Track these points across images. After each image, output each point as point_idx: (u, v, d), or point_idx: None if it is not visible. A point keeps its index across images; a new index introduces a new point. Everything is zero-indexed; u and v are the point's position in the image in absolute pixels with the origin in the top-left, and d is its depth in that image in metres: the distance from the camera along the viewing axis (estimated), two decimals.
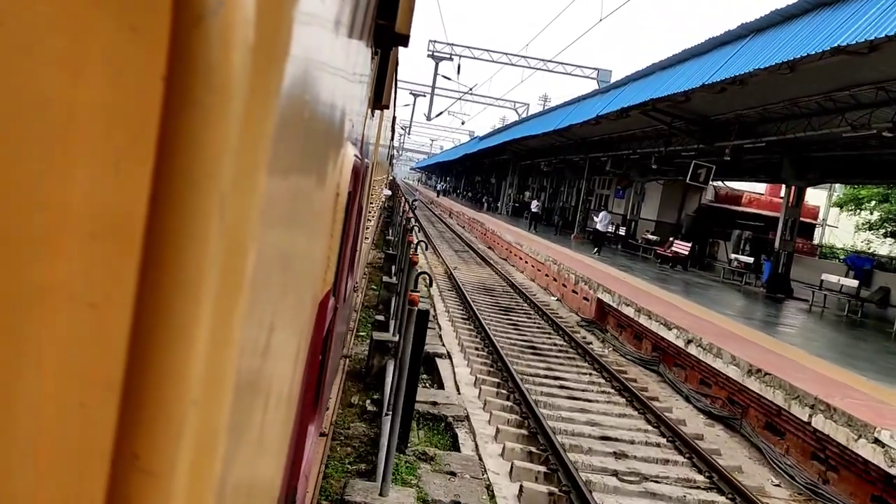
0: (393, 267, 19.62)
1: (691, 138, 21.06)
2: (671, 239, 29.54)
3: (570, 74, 36.05)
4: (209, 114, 0.52)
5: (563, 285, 19.71)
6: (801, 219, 39.78)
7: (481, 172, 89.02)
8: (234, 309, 0.65)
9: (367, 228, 8.69)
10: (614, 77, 34.88)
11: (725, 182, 38.74)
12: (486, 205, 66.53)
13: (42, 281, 0.48)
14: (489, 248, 33.46)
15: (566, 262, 20.82)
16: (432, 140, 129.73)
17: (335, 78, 1.33)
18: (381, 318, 14.30)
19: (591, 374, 12.45)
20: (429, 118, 38.58)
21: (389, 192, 39.60)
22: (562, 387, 11.44)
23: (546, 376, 11.92)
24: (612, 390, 11.62)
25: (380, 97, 4.00)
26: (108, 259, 0.51)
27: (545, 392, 10.95)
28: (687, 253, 25.30)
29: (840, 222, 39.88)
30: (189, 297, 0.53)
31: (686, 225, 39.82)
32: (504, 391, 10.76)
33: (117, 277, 0.51)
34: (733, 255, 24.57)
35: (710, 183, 41.57)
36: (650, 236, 32.10)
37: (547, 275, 21.79)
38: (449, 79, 36.15)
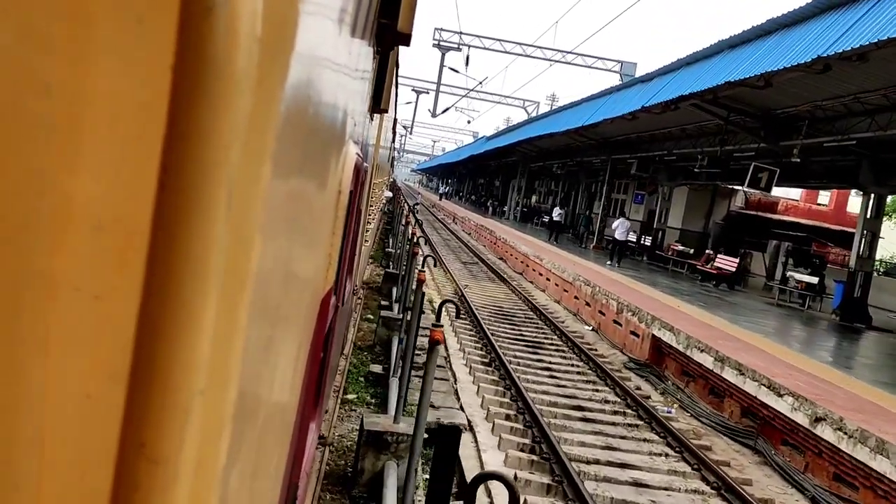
0: (394, 290, 16.22)
1: (751, 136, 17.61)
2: (708, 252, 26.08)
3: (590, 67, 32.69)
4: (218, 104, 0.52)
5: (601, 312, 16.25)
6: (844, 228, 36.46)
7: (485, 175, 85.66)
8: (240, 299, 0.66)
9: (367, 231, 8.55)
10: (639, 71, 31.50)
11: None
12: (491, 209, 63.12)
13: (47, 272, 0.49)
14: (500, 258, 30.02)
15: (601, 283, 17.37)
16: (434, 141, 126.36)
17: (339, 75, 1.33)
18: (376, 369, 10.81)
19: (665, 456, 9.01)
20: (434, 115, 35.24)
21: (390, 194, 36.89)
22: (637, 483, 8.01)
23: (611, 462, 8.48)
24: (704, 485, 8.18)
25: (378, 101, 3.83)
26: (114, 250, 0.51)
27: (618, 499, 7.51)
28: (734, 269, 21.84)
29: (884, 232, 36.43)
30: (197, 287, 0.54)
31: (714, 234, 36.39)
32: (559, 499, 7.31)
33: (123, 268, 0.52)
34: (791, 274, 21.11)
35: (743, 189, 38.43)
36: (682, 248, 28.64)
37: (577, 297, 18.34)
38: (456, 71, 32.75)
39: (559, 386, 11.72)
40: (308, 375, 1.72)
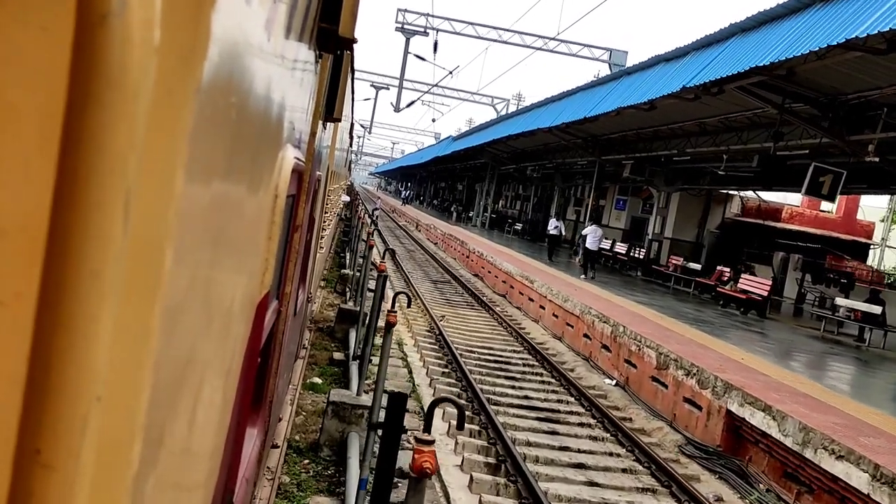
0: (351, 335, 11.95)
1: (811, 128, 13.72)
2: (722, 270, 22.28)
3: (575, 56, 28.81)
4: (112, 112, 0.52)
5: (629, 363, 12.19)
6: (855, 238, 33.21)
7: (448, 178, 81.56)
8: (147, 306, 0.66)
9: (323, 237, 8.74)
10: (630, 60, 27.70)
11: (757, 192, 31.87)
12: (455, 214, 59.00)
13: None
14: (476, 275, 25.86)
15: (623, 319, 13.30)
16: (394, 143, 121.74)
17: (269, 80, 1.30)
18: None
19: None
20: (397, 109, 31.02)
21: (348, 199, 33.86)
22: None
23: None
24: None
25: (332, 110, 3.78)
26: (15, 256, 0.51)
27: None
28: (766, 294, 18.01)
29: (892, 240, 33.21)
30: (92, 293, 0.53)
31: (709, 244, 32.83)
32: None
33: (24, 275, 0.52)
34: (841, 302, 17.33)
35: (738, 193, 34.89)
36: (690, 264, 24.82)
37: (588, 336, 14.25)
38: (423, 59, 28.55)
39: (599, 496, 7.65)
40: (244, 380, 1.66)
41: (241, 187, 1.21)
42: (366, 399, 7.53)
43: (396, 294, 8.29)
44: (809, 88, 13.18)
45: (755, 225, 31.26)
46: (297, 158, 2.15)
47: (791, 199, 34.75)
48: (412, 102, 32.05)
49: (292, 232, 2.79)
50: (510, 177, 49.00)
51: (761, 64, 10.58)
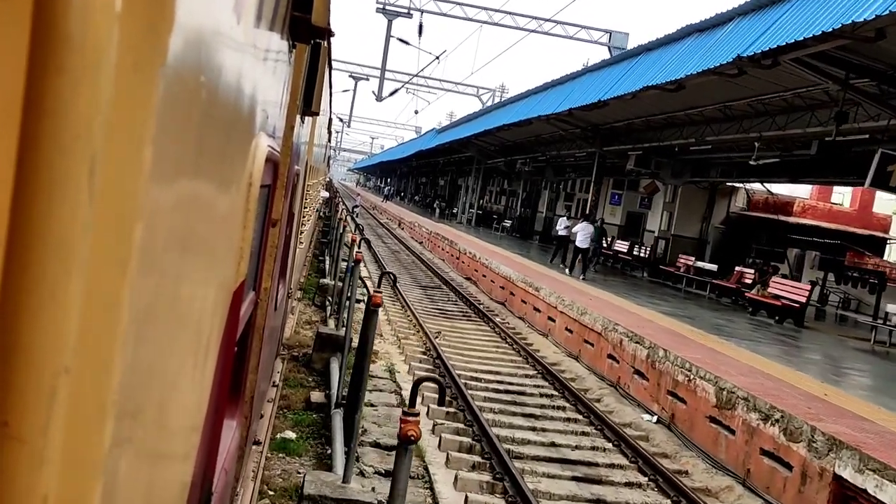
0: (333, 366, 9.61)
1: (880, 106, 11.56)
2: (742, 271, 20.16)
3: (572, 38, 26.57)
4: (74, 77, 0.52)
5: (673, 395, 9.96)
6: (872, 232, 31.33)
7: (429, 174, 79.14)
8: (118, 278, 0.65)
9: (303, 233, 8.69)
10: (632, 42, 25.51)
11: (765, 184, 29.83)
12: (438, 211, 56.66)
13: None
14: (468, 279, 23.57)
15: (662, 341, 11.06)
16: (373, 138, 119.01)
17: (239, 65, 1.29)
18: None
19: None
20: (379, 98, 28.62)
21: (327, 194, 31.75)
22: None
23: None
24: None
25: (309, 104, 3.82)
26: None
27: None
28: (804, 300, 15.87)
29: None
30: (58, 261, 0.53)
31: (713, 241, 30.78)
32: None
33: None
34: (894, 308, 15.23)
35: (743, 185, 32.86)
36: (702, 264, 22.69)
37: (615, 358, 12.01)
38: (407, 43, 26.05)
39: None
40: (221, 366, 1.63)
41: (213, 170, 1.18)
42: (357, 489, 5.18)
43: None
44: (878, 60, 11.01)
45: (763, 219, 29.22)
46: (272, 147, 2.09)
47: (798, 192, 32.81)
48: (396, 90, 29.63)
49: (268, 225, 2.70)
50: (496, 171, 46.78)
51: (848, 22, 8.35)
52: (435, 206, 59.92)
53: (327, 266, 18.88)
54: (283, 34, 2.25)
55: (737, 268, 20.64)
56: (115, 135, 0.59)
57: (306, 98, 3.67)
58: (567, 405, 10.72)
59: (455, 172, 61.29)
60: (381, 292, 7.52)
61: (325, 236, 27.79)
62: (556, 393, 11.23)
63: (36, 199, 0.51)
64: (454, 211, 57.83)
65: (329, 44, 4.80)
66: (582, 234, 21.78)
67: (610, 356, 12.17)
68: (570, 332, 14.09)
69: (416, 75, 26.71)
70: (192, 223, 1.05)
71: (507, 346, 14.35)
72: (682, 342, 11.37)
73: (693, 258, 23.33)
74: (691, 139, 18.74)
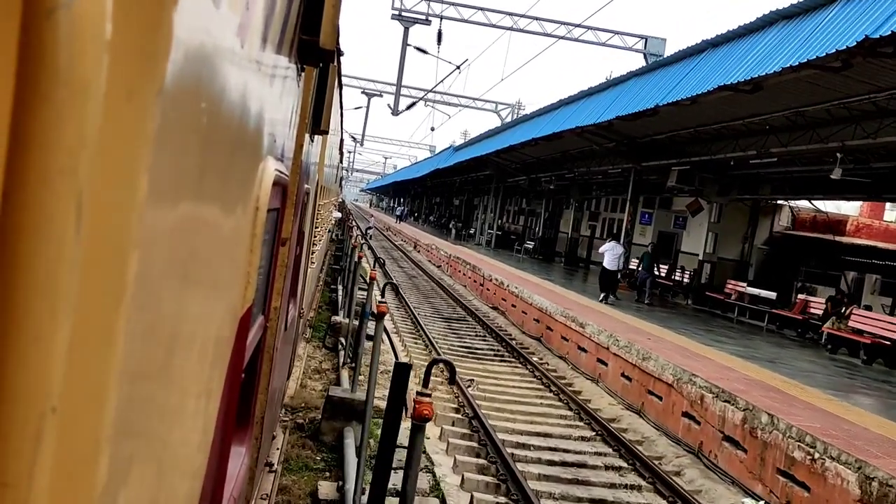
0: (348, 453, 7.44)
1: None
2: (806, 299, 17.86)
3: (604, 45, 24.53)
4: (61, 108, 0.51)
5: (789, 477, 7.72)
6: None
7: (444, 193, 77.12)
8: (110, 312, 0.64)
9: (314, 252, 8.60)
10: (670, 48, 23.42)
11: (813, 201, 27.55)
12: (454, 232, 54.55)
13: None
14: (495, 308, 21.35)
15: (758, 399, 8.81)
16: (386, 158, 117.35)
17: (243, 90, 1.28)
18: None
19: None
20: (395, 112, 26.60)
21: (339, 215, 30.71)
22: None
23: None
24: None
25: (318, 122, 3.82)
26: None
27: None
28: None
29: None
30: (44, 297, 0.51)
31: (757, 263, 28.43)
32: None
33: None
34: None
35: (787, 203, 30.56)
36: (755, 290, 20.39)
37: (695, 417, 9.75)
38: (425, 52, 24.08)
39: None
40: (227, 395, 1.60)
41: (216, 197, 1.17)
42: None
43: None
44: None
45: (812, 239, 26.88)
46: (280, 171, 2.09)
47: (845, 209, 30.46)
48: (413, 103, 27.55)
49: (278, 246, 2.69)
50: (515, 190, 44.68)
51: None
52: (451, 226, 57.85)
53: (340, 297, 16.72)
54: (290, 58, 2.21)
55: (799, 296, 18.34)
56: (106, 166, 0.57)
57: (315, 117, 3.68)
58: (642, 482, 8.48)
59: (471, 192, 59.25)
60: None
61: (337, 262, 25.72)
62: (626, 465, 8.99)
63: (20, 235, 0.50)
64: (471, 231, 55.75)
65: (339, 63, 4.79)
66: (610, 254, 19.92)
67: (686, 414, 9.91)
68: (629, 379, 11.85)
69: (436, 86, 24.69)
70: (194, 251, 1.02)
71: (552, 395, 12.12)
72: (784, 401, 9.09)
73: (745, 284, 21.02)
74: (751, 151, 16.52)
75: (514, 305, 19.78)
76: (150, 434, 0.91)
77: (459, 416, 10.23)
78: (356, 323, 11.61)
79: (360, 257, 11.68)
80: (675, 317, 18.11)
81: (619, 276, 19.77)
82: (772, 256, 28.07)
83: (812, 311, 17.28)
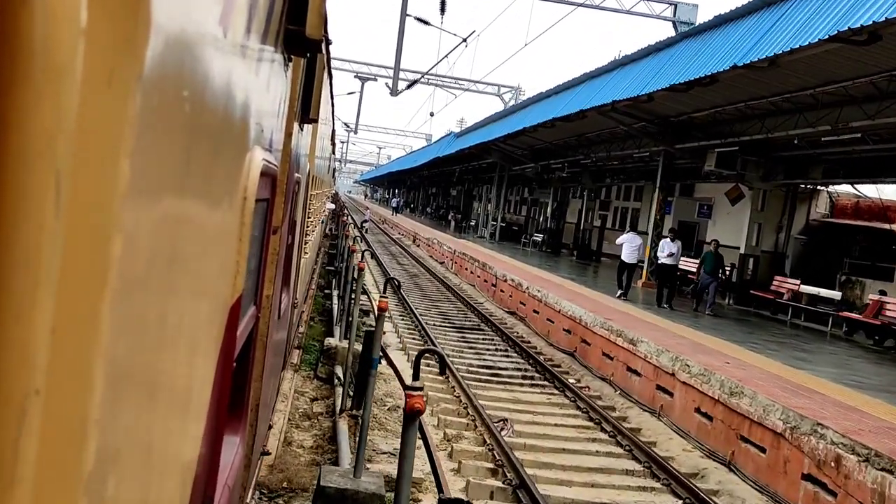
0: None
1: None
2: (882, 300, 15.25)
3: (627, 12, 21.90)
4: (38, 92, 0.51)
5: None
6: None
7: (440, 183, 74.35)
8: (94, 294, 0.64)
9: (307, 244, 8.54)
10: (702, 15, 20.75)
11: (856, 186, 24.91)
12: (453, 224, 51.82)
13: None
14: (512, 313, 18.70)
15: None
16: (380, 148, 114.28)
17: (228, 79, 1.27)
18: None
19: None
20: (394, 92, 23.89)
21: (333, 206, 30.33)
22: None
23: None
24: None
25: (308, 111, 3.82)
26: None
27: None
28: None
29: None
30: (24, 278, 0.52)
31: (794, 254, 25.81)
32: None
33: None
34: None
35: (825, 188, 27.95)
36: (811, 289, 17.77)
37: (825, 485, 7.08)
38: (427, 23, 21.34)
39: None
40: (218, 384, 1.60)
41: (202, 186, 1.16)
42: None
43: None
44: None
45: (856, 227, 24.31)
46: (268, 161, 2.08)
47: (887, 192, 27.83)
48: (415, 81, 24.78)
49: (268, 235, 2.69)
50: (516, 179, 41.99)
51: None
52: (449, 218, 55.13)
53: (335, 311, 14.02)
54: (277, 47, 2.18)
55: (871, 296, 15.72)
56: (87, 149, 0.58)
57: (304, 106, 3.69)
58: None
59: (471, 181, 56.53)
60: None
61: (331, 261, 23.02)
62: None
63: (1, 217, 0.50)
64: (471, 223, 53.03)
65: (328, 52, 5.00)
66: (628, 246, 18.07)
67: (808, 477, 7.27)
68: (708, 418, 9.20)
69: (439, 62, 21.96)
70: (181, 239, 1.02)
71: (607, 437, 9.47)
72: None
73: (798, 282, 18.42)
74: (822, 126, 13.80)
75: (535, 311, 17.12)
76: (139, 420, 0.89)
77: (499, 482, 7.56)
78: (358, 348, 8.99)
79: (360, 269, 8.95)
80: (726, 324, 15.46)
81: (634, 267, 17.99)
82: (810, 247, 25.49)
83: (888, 314, 14.70)
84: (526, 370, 12.97)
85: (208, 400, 1.49)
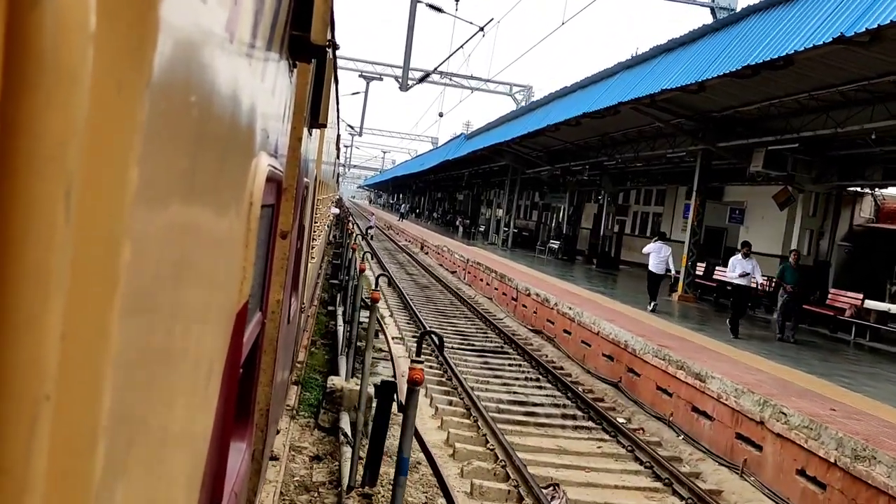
0: None
1: None
2: None
3: None
4: (49, 98, 0.52)
5: None
6: None
7: (446, 188, 72.41)
8: (104, 302, 0.64)
9: (314, 248, 8.49)
10: (742, 1, 18.77)
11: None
12: (461, 230, 49.80)
13: None
14: (538, 332, 16.67)
15: None
16: (385, 152, 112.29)
17: (234, 86, 1.26)
18: None
19: None
20: (404, 87, 21.96)
21: (337, 211, 29.87)
22: None
23: None
24: None
25: (316, 116, 3.84)
26: None
27: None
28: None
29: None
30: (35, 283, 0.52)
31: (837, 263, 23.73)
32: None
33: None
34: None
35: (870, 192, 25.89)
36: (877, 304, 15.73)
37: None
38: (440, 10, 19.28)
39: None
40: (225, 390, 1.59)
41: (209, 192, 1.15)
42: None
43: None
44: None
45: None
46: (274, 167, 2.06)
47: None
48: (427, 75, 22.83)
49: (276, 240, 2.70)
50: (527, 183, 39.97)
51: None
52: (457, 223, 53.11)
53: (340, 337, 11.99)
54: (282, 53, 2.19)
55: None
56: (97, 155, 0.58)
57: (313, 111, 3.69)
58: None
59: (480, 186, 54.54)
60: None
61: (335, 274, 21.05)
62: None
63: (9, 221, 0.50)
64: (480, 229, 51.01)
65: (335, 57, 4.79)
66: (655, 256, 16.54)
67: None
68: (821, 485, 7.16)
69: (454, 54, 19.98)
70: (188, 245, 1.02)
71: None
72: None
73: (861, 296, 16.38)
74: (880, 122, 11.78)
75: (567, 332, 15.09)
76: (147, 426, 0.89)
77: None
78: (370, 391, 7.03)
79: (374, 300, 6.89)
80: (794, 350, 13.43)
81: (663, 278, 16.64)
82: (855, 254, 23.44)
83: None
84: (565, 406, 10.95)
85: (215, 405, 1.47)
